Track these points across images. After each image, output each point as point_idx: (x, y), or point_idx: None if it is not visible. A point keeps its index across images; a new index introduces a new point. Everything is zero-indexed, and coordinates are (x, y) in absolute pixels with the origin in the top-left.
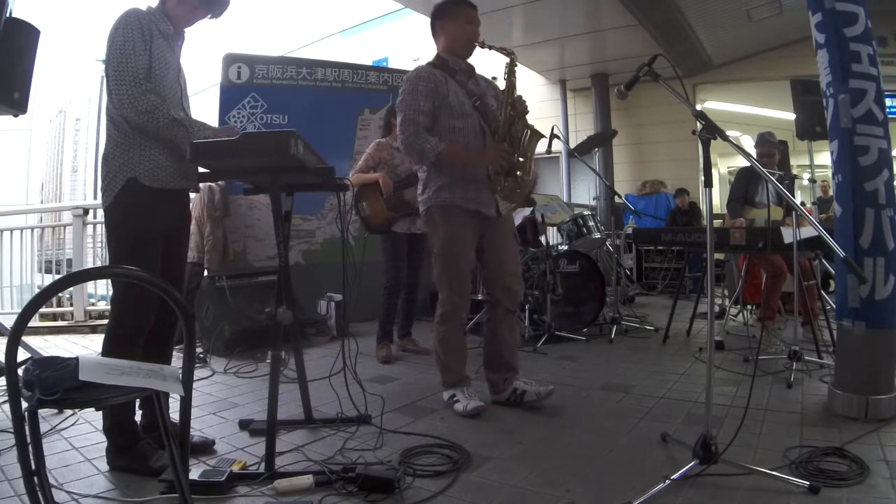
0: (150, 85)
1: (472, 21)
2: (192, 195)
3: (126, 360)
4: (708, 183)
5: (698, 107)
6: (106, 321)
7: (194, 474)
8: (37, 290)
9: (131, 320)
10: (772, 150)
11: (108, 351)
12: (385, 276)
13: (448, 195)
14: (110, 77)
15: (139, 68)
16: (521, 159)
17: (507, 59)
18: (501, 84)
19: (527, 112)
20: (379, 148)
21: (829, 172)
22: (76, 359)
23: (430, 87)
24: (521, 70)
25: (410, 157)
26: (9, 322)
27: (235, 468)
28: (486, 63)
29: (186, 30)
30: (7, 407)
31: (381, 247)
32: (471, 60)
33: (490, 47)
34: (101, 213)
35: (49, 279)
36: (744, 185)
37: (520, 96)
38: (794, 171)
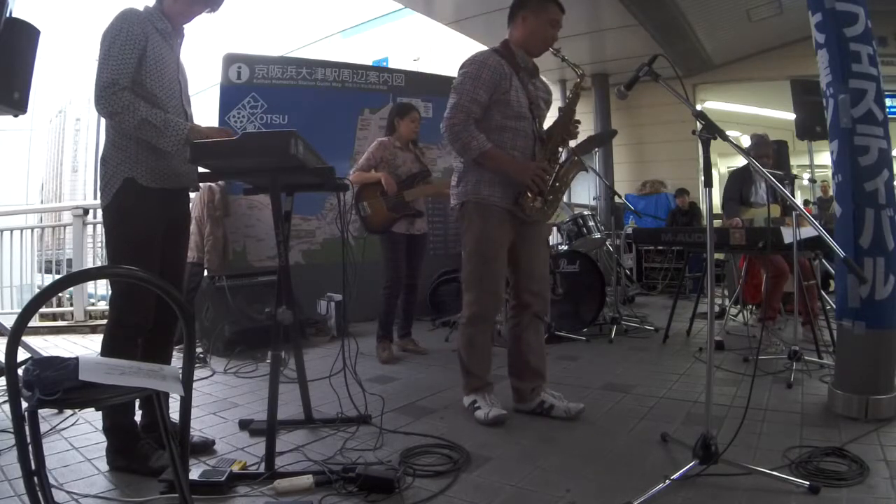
0: (125, 84)
1: (556, 24)
2: (191, 194)
3: (126, 360)
4: (708, 183)
5: (698, 107)
6: (106, 321)
7: (194, 474)
8: (37, 290)
9: (130, 320)
10: (768, 151)
11: (107, 351)
12: (384, 276)
13: (488, 192)
14: (99, 62)
15: (119, 70)
16: (557, 184)
17: (576, 79)
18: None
19: (576, 137)
20: (381, 147)
21: (829, 172)
22: (76, 359)
23: (493, 79)
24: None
25: (452, 145)
26: (9, 322)
27: (235, 468)
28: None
29: (187, 27)
30: (7, 407)
31: (381, 247)
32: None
33: (563, 59)
34: (101, 213)
35: (49, 279)
36: (738, 186)
37: (577, 120)
38: (794, 171)
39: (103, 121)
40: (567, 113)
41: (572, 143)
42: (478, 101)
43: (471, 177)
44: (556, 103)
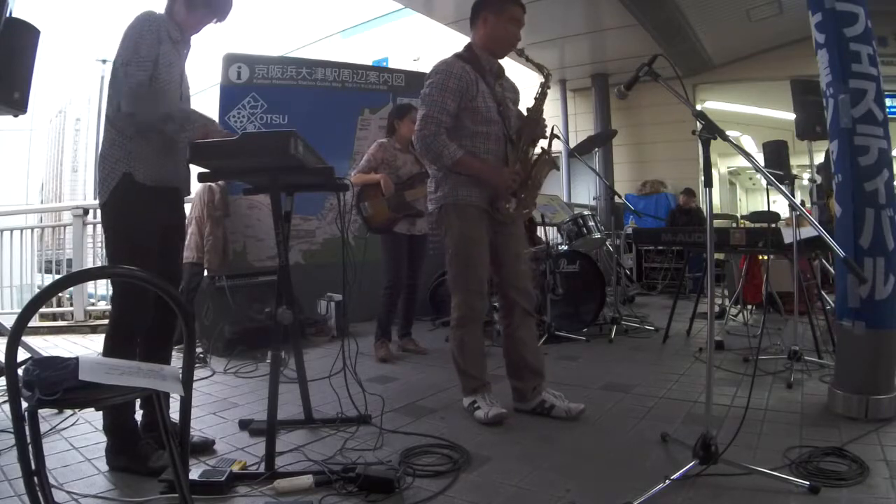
0: (150, 84)
1: (518, 23)
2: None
3: (126, 359)
4: (708, 183)
5: (698, 107)
6: (106, 321)
7: (194, 474)
8: (37, 290)
9: (131, 319)
10: None
11: (108, 350)
12: (385, 277)
13: (465, 192)
14: (117, 74)
15: (148, 70)
16: (529, 183)
17: (541, 78)
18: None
19: (546, 136)
20: (381, 148)
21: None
22: (76, 359)
23: (460, 87)
24: (521, 69)
25: (425, 156)
26: (9, 322)
27: (235, 468)
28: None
29: (193, 38)
30: (7, 407)
31: (382, 247)
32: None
33: (528, 59)
34: (100, 212)
35: (49, 279)
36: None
37: (545, 120)
38: (794, 171)
39: (103, 120)
40: (535, 112)
41: (543, 143)
42: (447, 111)
43: (448, 181)
44: (556, 102)
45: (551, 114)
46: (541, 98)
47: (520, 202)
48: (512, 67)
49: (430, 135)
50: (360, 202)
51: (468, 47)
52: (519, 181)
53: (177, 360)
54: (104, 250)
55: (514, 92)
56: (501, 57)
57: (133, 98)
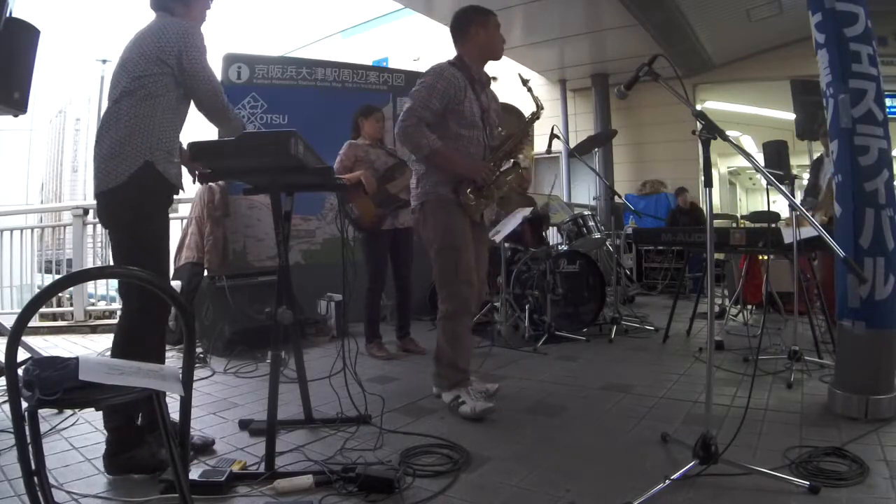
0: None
1: (499, 27)
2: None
3: (148, 344)
4: (708, 183)
5: (698, 107)
6: (106, 321)
7: (194, 474)
8: (37, 290)
9: (155, 307)
10: None
11: (131, 337)
12: (367, 275)
13: (445, 191)
14: (206, 75)
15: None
16: (492, 186)
17: (533, 108)
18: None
19: (516, 157)
20: (352, 147)
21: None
22: (76, 359)
23: (448, 91)
24: (521, 69)
25: (404, 144)
26: (9, 322)
27: (235, 468)
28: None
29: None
30: (7, 407)
31: (361, 244)
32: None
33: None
34: (106, 198)
35: (49, 279)
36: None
37: (525, 146)
38: (794, 171)
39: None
40: (521, 133)
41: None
42: (430, 108)
43: (431, 178)
44: (556, 102)
45: (551, 114)
46: (529, 123)
47: (480, 198)
48: (505, 68)
49: (411, 125)
50: (346, 205)
51: (459, 58)
52: (489, 177)
53: (177, 360)
54: (104, 250)
55: (497, 102)
56: (498, 59)
57: (226, 110)
